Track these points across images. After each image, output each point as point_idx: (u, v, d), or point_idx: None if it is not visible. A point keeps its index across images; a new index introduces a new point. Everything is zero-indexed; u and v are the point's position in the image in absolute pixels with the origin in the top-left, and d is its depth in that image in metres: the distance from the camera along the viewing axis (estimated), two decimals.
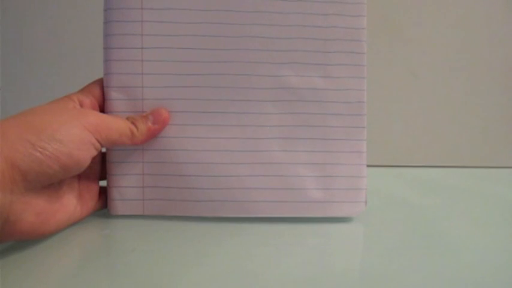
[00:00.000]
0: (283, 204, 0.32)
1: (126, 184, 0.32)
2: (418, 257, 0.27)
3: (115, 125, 0.29)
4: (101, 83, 0.32)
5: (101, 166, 0.33)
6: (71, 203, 0.30)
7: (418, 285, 0.24)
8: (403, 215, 0.36)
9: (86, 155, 0.27)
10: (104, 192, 0.33)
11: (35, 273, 0.25)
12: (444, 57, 0.58)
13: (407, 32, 0.57)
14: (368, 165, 0.33)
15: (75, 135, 0.27)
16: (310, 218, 0.32)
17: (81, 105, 0.30)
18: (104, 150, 0.32)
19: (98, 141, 0.28)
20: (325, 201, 0.32)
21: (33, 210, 0.26)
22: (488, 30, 0.58)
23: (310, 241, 0.29)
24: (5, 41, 0.58)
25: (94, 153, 0.28)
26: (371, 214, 0.33)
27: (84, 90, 0.32)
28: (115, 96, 0.32)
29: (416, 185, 0.47)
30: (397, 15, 0.58)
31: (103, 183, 0.33)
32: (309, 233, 0.30)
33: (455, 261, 0.27)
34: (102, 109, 0.32)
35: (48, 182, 0.26)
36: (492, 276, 0.25)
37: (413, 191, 0.44)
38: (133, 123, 0.30)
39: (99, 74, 0.33)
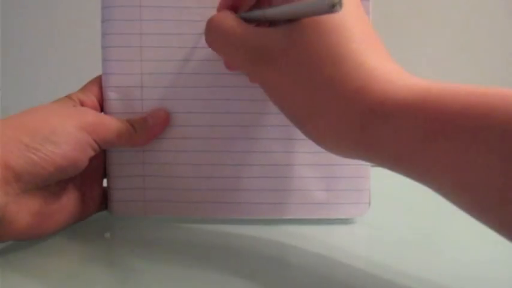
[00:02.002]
0: (286, 205, 0.32)
1: (127, 186, 0.32)
2: (421, 258, 0.27)
3: (113, 126, 0.29)
4: (100, 81, 0.32)
5: (104, 166, 0.33)
6: (70, 204, 0.29)
7: (420, 286, 0.23)
8: (405, 216, 0.35)
9: (82, 156, 0.27)
10: (105, 193, 0.33)
11: (35, 274, 0.25)
12: (444, 57, 0.58)
13: (408, 31, 0.57)
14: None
15: (71, 136, 0.26)
16: (313, 219, 0.32)
17: (82, 105, 0.30)
18: None
19: (96, 142, 0.28)
20: (328, 203, 0.32)
21: (29, 211, 0.26)
22: (489, 30, 0.58)
23: (312, 242, 0.29)
24: (5, 41, 0.58)
25: (91, 154, 0.28)
26: (373, 215, 0.33)
27: (84, 89, 0.32)
28: (114, 96, 0.31)
29: (418, 185, 0.47)
30: (397, 15, 0.57)
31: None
32: (311, 235, 0.30)
33: (459, 262, 0.27)
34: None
35: (43, 184, 0.26)
36: (494, 275, 0.25)
37: (415, 191, 0.43)
38: (132, 124, 0.30)
39: (98, 74, 0.32)
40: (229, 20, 0.25)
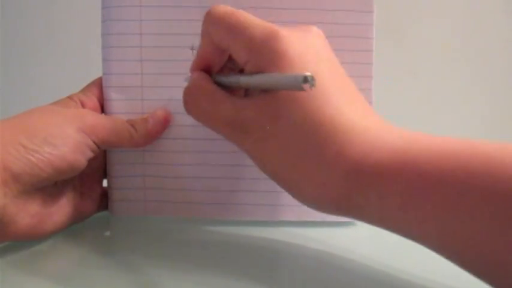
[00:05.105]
0: (286, 207, 0.32)
1: (127, 185, 0.32)
2: (422, 260, 0.26)
3: (113, 127, 0.29)
4: (101, 82, 0.32)
5: (105, 166, 0.33)
6: (70, 204, 0.29)
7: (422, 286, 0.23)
8: None
9: (81, 157, 0.27)
10: (106, 193, 0.33)
11: (35, 274, 0.25)
12: (444, 57, 0.58)
13: (408, 31, 0.57)
14: None
15: (70, 138, 0.26)
16: (313, 221, 0.32)
17: (83, 106, 0.30)
18: None
19: (95, 143, 0.28)
20: None
21: (28, 212, 0.26)
22: (488, 30, 0.58)
23: (312, 245, 0.29)
24: (5, 41, 0.58)
25: (90, 155, 0.28)
26: None
27: (85, 90, 0.32)
28: (114, 97, 0.31)
29: None
30: (397, 15, 0.57)
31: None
32: (311, 237, 0.30)
33: None
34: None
35: (42, 185, 0.26)
36: None
37: None
38: (132, 125, 0.30)
39: (99, 74, 0.32)
40: (205, 91, 0.25)
